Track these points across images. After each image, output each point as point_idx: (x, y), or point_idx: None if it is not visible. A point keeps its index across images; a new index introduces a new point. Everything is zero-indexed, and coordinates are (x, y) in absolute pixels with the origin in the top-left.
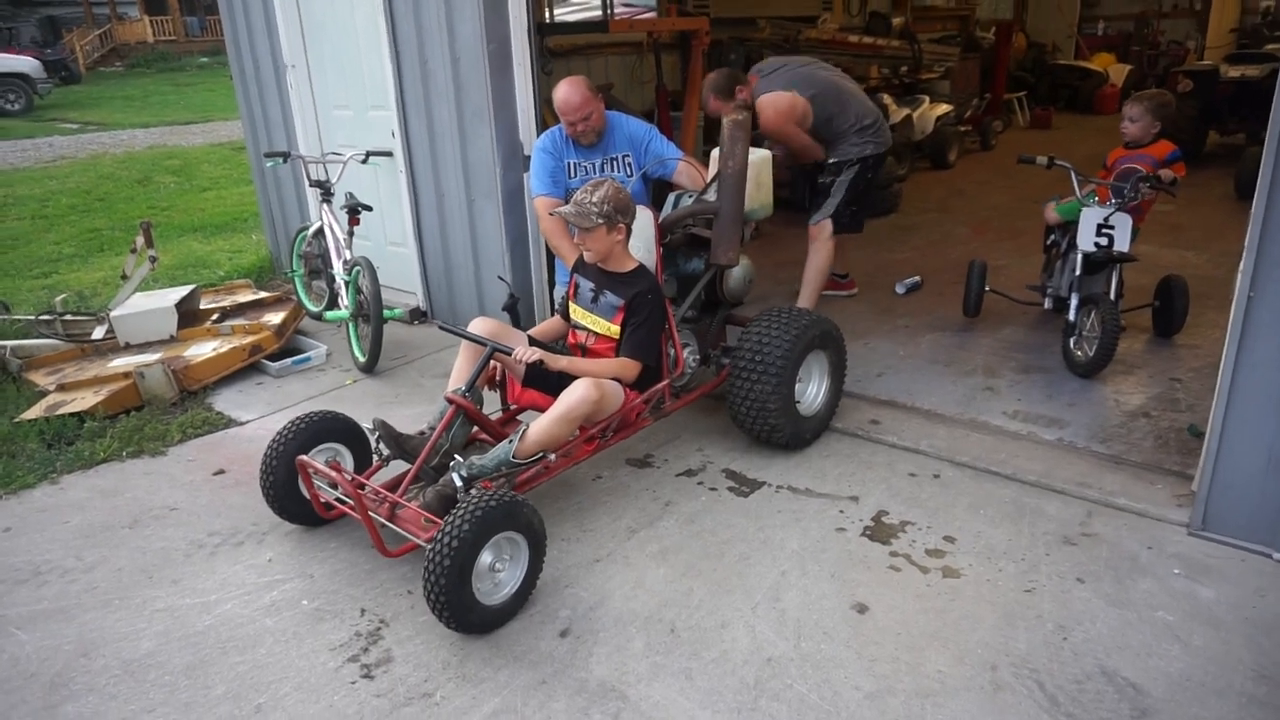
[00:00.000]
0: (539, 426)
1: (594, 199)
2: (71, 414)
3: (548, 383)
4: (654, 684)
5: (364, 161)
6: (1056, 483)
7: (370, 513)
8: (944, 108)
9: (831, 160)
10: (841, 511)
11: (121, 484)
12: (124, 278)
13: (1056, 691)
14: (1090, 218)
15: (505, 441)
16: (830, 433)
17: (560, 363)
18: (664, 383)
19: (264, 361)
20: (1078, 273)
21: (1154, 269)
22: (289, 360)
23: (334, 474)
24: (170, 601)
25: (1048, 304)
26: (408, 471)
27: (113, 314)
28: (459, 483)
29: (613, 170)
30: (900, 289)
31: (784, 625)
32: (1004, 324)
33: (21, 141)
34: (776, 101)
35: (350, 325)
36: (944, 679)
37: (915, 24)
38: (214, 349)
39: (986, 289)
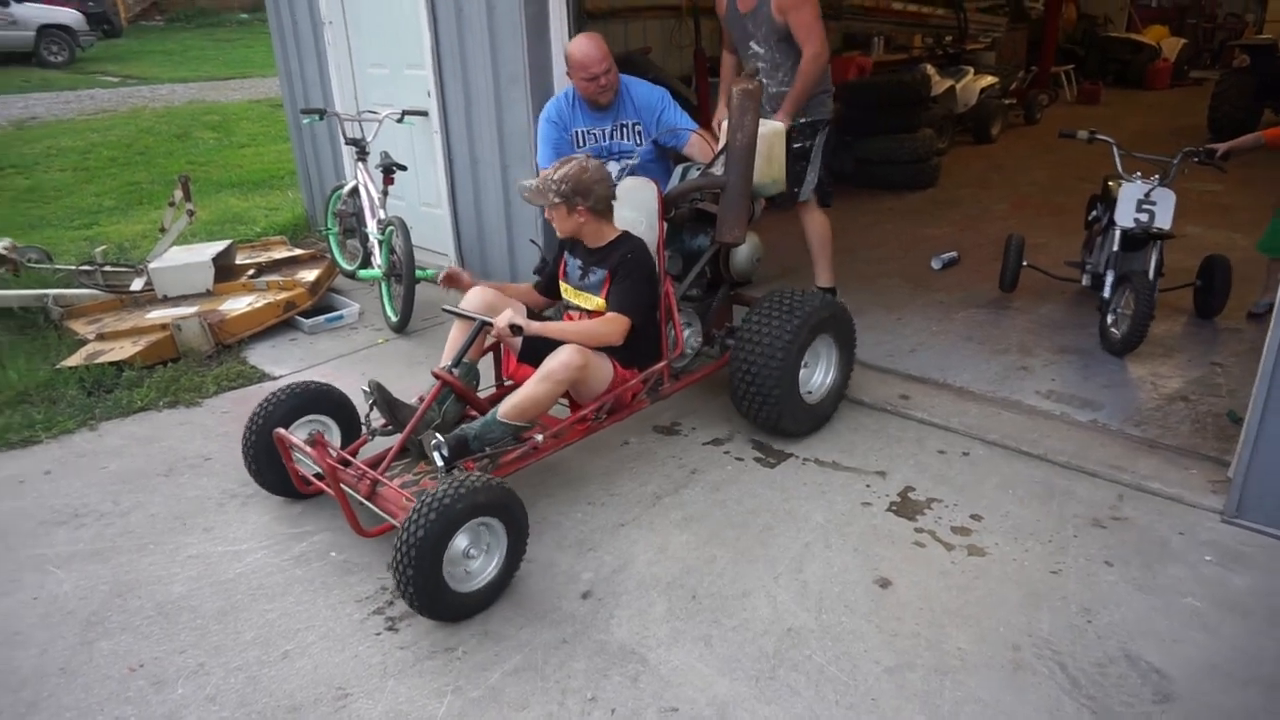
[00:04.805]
0: (522, 389)
1: (555, 176)
2: (110, 363)
3: (541, 358)
4: (674, 649)
5: (399, 120)
6: (1088, 464)
7: (347, 489)
8: (988, 79)
9: (804, 120)
10: (868, 486)
11: (158, 432)
12: (162, 231)
13: (1078, 673)
14: (1131, 193)
15: (491, 411)
16: (859, 407)
17: (533, 327)
18: (663, 363)
19: (297, 318)
20: (1115, 248)
21: (1199, 250)
22: (322, 317)
23: (309, 450)
24: (203, 548)
25: (1085, 280)
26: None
27: (151, 266)
28: (440, 463)
29: (622, 137)
30: (936, 264)
31: (805, 596)
32: (1041, 302)
33: (64, 93)
34: None
35: (383, 284)
36: (964, 656)
37: None
38: (249, 304)
39: (1024, 264)
